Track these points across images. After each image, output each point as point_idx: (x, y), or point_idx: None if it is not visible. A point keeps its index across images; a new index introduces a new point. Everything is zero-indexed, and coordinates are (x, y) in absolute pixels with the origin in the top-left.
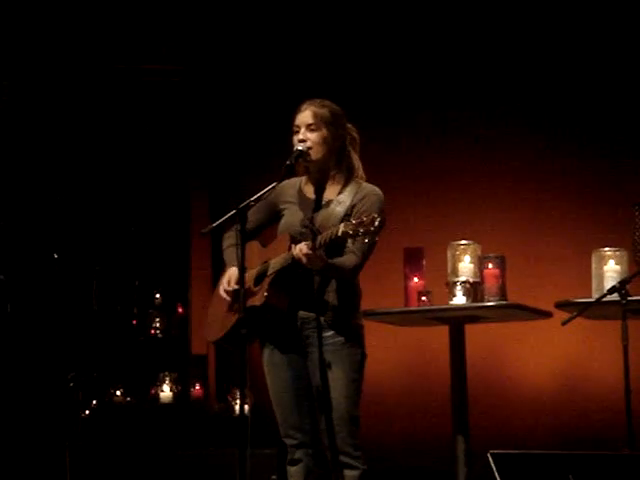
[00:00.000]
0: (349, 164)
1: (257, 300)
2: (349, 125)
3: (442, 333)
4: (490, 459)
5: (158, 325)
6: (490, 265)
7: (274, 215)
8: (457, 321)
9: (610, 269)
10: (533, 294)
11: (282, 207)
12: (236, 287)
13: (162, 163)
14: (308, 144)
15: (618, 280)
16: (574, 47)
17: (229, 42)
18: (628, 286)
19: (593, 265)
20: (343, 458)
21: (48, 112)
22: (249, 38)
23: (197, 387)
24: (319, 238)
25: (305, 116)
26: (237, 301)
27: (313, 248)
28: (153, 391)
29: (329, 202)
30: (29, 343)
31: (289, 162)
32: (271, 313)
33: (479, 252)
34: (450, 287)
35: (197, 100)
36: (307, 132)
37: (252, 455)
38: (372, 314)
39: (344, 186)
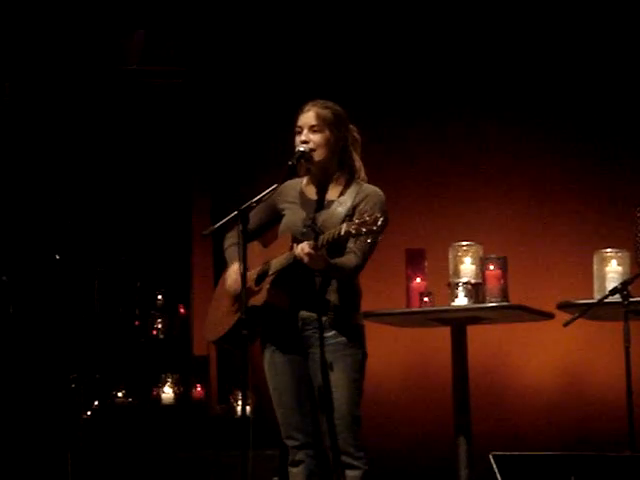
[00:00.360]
0: (351, 165)
1: (258, 300)
2: (351, 126)
3: (444, 334)
4: (492, 460)
5: (160, 326)
6: (492, 266)
7: (275, 216)
8: (459, 322)
9: (612, 270)
10: (535, 295)
11: (283, 207)
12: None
13: (164, 164)
14: (311, 145)
15: (620, 281)
16: (578, 49)
17: (231, 44)
18: (630, 287)
19: (595, 266)
20: (345, 458)
21: (50, 113)
22: (251, 41)
23: (199, 388)
24: (321, 238)
25: (308, 117)
26: (238, 301)
27: (315, 248)
28: (155, 392)
29: (330, 203)
30: (31, 344)
31: (291, 163)
32: (272, 313)
33: (481, 253)
34: (452, 288)
35: (199, 102)
36: (310, 133)
37: (254, 456)
38: (374, 315)
39: (345, 187)
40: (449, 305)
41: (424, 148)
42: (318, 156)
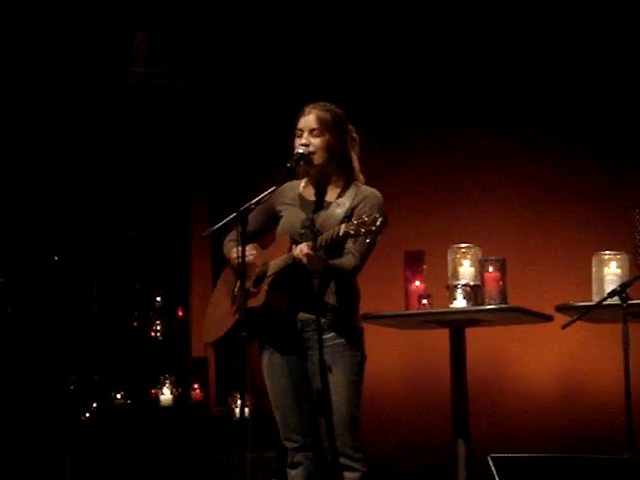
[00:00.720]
0: (349, 167)
1: (256, 301)
2: (350, 126)
3: (442, 336)
4: (490, 462)
5: (158, 328)
6: (490, 268)
7: (273, 218)
8: (457, 324)
9: (610, 272)
10: (533, 297)
11: (281, 209)
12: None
13: (162, 166)
14: (311, 149)
15: (619, 283)
16: (576, 52)
17: (231, 47)
18: (629, 289)
19: (594, 268)
20: (344, 460)
21: (49, 115)
22: (250, 43)
23: (197, 390)
24: (320, 239)
25: (309, 120)
26: (236, 303)
27: (314, 248)
28: (153, 394)
29: (329, 204)
30: (30, 346)
31: (289, 165)
32: (270, 314)
33: (479, 255)
34: (450, 290)
35: (198, 103)
36: (310, 137)
37: (252, 458)
38: (373, 317)
39: (344, 188)
40: (448, 307)
41: (423, 150)
42: (318, 159)
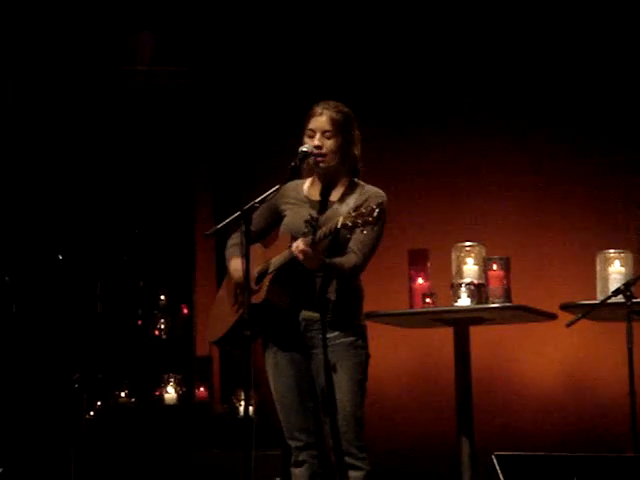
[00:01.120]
0: (355, 166)
1: (257, 297)
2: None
3: (447, 335)
4: (494, 461)
5: (163, 326)
6: (495, 267)
7: (277, 217)
8: (462, 323)
9: (615, 271)
10: (538, 296)
11: (284, 208)
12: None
13: (167, 165)
14: (323, 150)
15: (623, 282)
16: (580, 51)
17: (235, 46)
18: (633, 288)
19: (598, 267)
20: (348, 459)
21: (53, 113)
22: (254, 41)
23: (201, 388)
24: (319, 232)
25: (322, 122)
26: (238, 301)
27: (313, 242)
28: (157, 392)
29: (333, 203)
30: (34, 344)
31: (293, 164)
32: (272, 310)
33: (484, 254)
34: (455, 289)
35: (202, 102)
36: (323, 138)
37: (256, 457)
38: (377, 315)
39: (349, 188)
40: (452, 306)
41: (427, 149)
42: (329, 162)
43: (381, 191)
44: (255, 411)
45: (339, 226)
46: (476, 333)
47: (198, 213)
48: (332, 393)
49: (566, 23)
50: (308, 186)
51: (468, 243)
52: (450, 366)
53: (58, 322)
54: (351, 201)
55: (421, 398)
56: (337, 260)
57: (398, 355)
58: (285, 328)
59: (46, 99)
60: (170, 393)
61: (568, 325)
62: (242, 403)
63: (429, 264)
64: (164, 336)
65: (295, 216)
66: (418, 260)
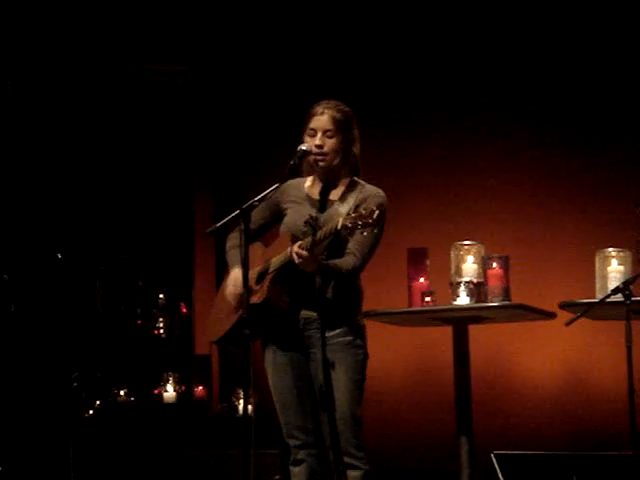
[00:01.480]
0: (355, 165)
1: (257, 297)
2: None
3: (446, 333)
4: (493, 459)
5: (162, 325)
6: (494, 265)
7: (277, 215)
8: (461, 321)
9: (614, 269)
10: (537, 294)
11: (285, 206)
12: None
13: (166, 163)
14: (325, 150)
15: (622, 280)
16: (581, 50)
17: (233, 43)
18: (632, 287)
19: (597, 265)
20: (346, 458)
21: (52, 112)
22: (253, 39)
23: (200, 387)
24: (319, 232)
25: (323, 121)
26: (239, 300)
27: (313, 243)
28: (156, 391)
29: (333, 202)
30: (33, 343)
31: (293, 162)
32: (272, 310)
33: (483, 252)
34: (454, 287)
35: (201, 100)
36: (325, 138)
37: (255, 455)
38: (376, 314)
39: (349, 187)
40: (451, 304)
41: (426, 148)
42: (330, 161)
43: (381, 191)
44: (254, 410)
45: (339, 227)
46: (475, 332)
47: (197, 212)
48: (330, 392)
49: (566, 23)
50: (309, 185)
51: (467, 242)
52: (449, 365)
53: (57, 321)
54: (351, 200)
55: (420, 397)
56: (335, 263)
57: (397, 354)
58: (285, 328)
59: (45, 98)
60: (169, 392)
61: (567, 324)
62: (241, 402)
63: (428, 263)
64: (163, 335)
65: (295, 215)
66: (417, 259)
